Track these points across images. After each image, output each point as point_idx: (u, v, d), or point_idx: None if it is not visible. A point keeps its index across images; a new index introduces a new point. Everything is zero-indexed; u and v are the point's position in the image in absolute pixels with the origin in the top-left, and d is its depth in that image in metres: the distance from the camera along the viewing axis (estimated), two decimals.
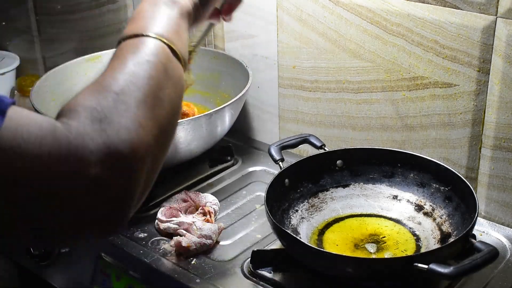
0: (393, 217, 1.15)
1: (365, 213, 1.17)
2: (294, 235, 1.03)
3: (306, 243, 1.00)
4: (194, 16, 0.84)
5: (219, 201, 1.22)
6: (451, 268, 0.88)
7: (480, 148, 1.15)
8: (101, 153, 0.60)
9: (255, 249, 1.06)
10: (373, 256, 1.05)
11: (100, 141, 0.61)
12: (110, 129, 0.62)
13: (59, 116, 0.64)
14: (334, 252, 1.04)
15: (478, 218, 1.02)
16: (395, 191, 1.18)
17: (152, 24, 0.76)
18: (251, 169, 1.38)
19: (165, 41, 0.74)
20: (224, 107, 1.24)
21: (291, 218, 1.13)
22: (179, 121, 1.04)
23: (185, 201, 1.20)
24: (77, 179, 0.60)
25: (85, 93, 0.66)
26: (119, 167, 0.62)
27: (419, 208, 1.15)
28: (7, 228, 0.61)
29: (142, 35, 0.74)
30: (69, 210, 0.61)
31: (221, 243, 1.14)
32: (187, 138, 1.20)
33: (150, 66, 0.70)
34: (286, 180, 1.15)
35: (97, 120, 0.62)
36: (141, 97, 0.66)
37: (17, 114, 0.60)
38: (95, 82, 0.68)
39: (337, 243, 1.09)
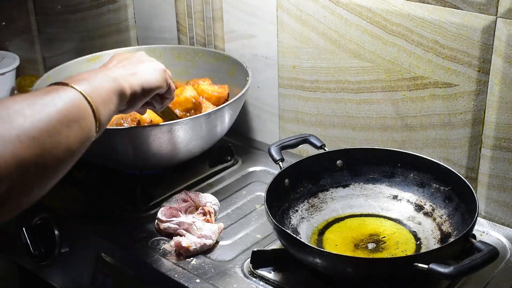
0: (393, 217, 1.15)
1: (365, 213, 1.17)
2: (294, 235, 1.03)
3: (306, 243, 0.99)
4: (129, 100, 0.97)
5: (219, 201, 1.22)
6: (451, 268, 0.88)
7: (480, 148, 1.15)
8: None
9: (255, 249, 1.07)
10: (373, 256, 1.05)
11: None
12: None
13: None
14: (334, 252, 1.04)
15: (478, 218, 1.02)
16: (395, 191, 1.18)
17: (84, 83, 0.85)
18: (251, 169, 1.38)
19: (85, 95, 0.83)
20: (223, 106, 1.24)
21: (291, 218, 1.13)
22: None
23: (185, 201, 1.20)
24: None
25: None
26: None
27: (419, 208, 1.15)
28: None
29: (67, 85, 0.83)
30: None
31: (221, 243, 1.14)
32: (186, 137, 1.20)
33: (54, 109, 0.77)
34: (286, 180, 1.15)
35: None
36: (27, 127, 0.73)
37: None
38: (6, 100, 0.76)
39: (337, 243, 1.09)
